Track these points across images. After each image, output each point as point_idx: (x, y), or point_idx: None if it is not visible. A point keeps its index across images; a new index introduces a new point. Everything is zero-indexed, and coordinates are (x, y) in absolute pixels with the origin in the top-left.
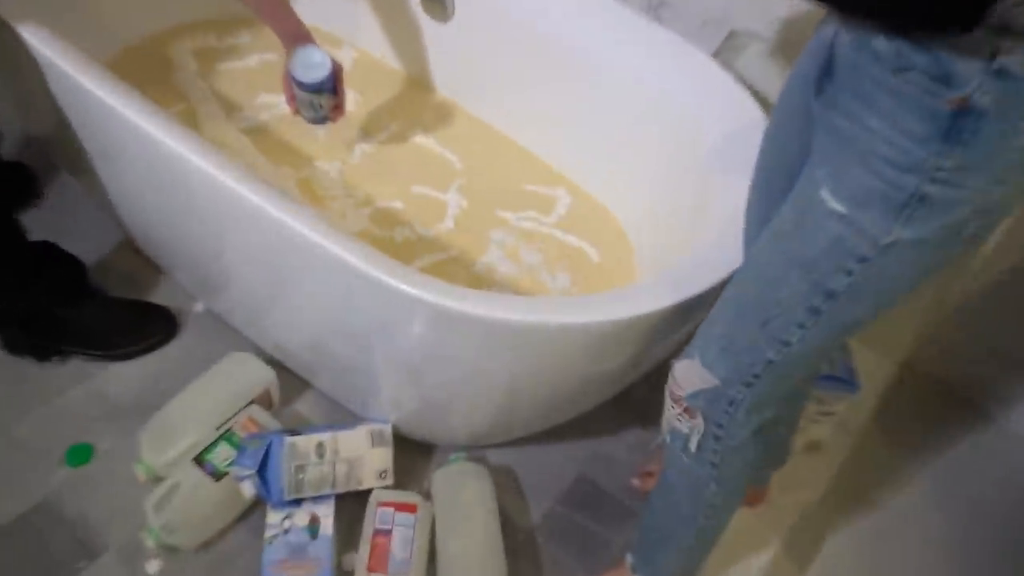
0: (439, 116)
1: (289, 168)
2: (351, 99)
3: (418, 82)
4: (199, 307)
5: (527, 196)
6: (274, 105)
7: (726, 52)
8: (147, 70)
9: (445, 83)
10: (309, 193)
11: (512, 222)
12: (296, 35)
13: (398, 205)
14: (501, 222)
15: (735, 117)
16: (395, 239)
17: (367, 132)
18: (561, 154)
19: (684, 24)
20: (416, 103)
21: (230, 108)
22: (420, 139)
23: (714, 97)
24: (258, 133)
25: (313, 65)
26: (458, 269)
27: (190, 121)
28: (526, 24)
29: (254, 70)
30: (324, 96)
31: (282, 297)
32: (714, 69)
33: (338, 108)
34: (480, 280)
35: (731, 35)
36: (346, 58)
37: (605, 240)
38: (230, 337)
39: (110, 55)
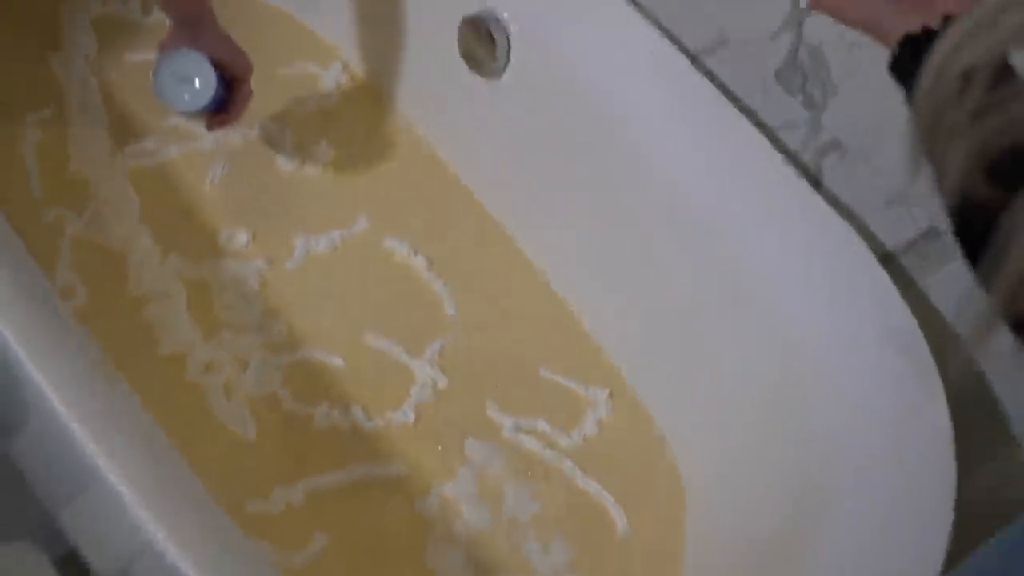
0: (442, 214)
1: (182, 258)
2: (319, 158)
3: (426, 151)
4: None
5: (543, 388)
6: (194, 136)
7: (913, 255)
8: (11, 37)
9: (463, 161)
10: (200, 311)
11: (506, 433)
12: (193, 24)
13: (336, 362)
14: (489, 428)
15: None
16: (314, 424)
17: (318, 222)
18: (619, 330)
19: (857, 196)
20: (413, 181)
21: (124, 126)
22: (400, 249)
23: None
24: (156, 180)
25: (188, 81)
26: (397, 501)
27: (57, 138)
28: (609, 120)
29: None
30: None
31: None
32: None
33: (222, 121)
34: (423, 528)
35: (929, 233)
36: (331, 81)
37: (646, 494)
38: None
39: None
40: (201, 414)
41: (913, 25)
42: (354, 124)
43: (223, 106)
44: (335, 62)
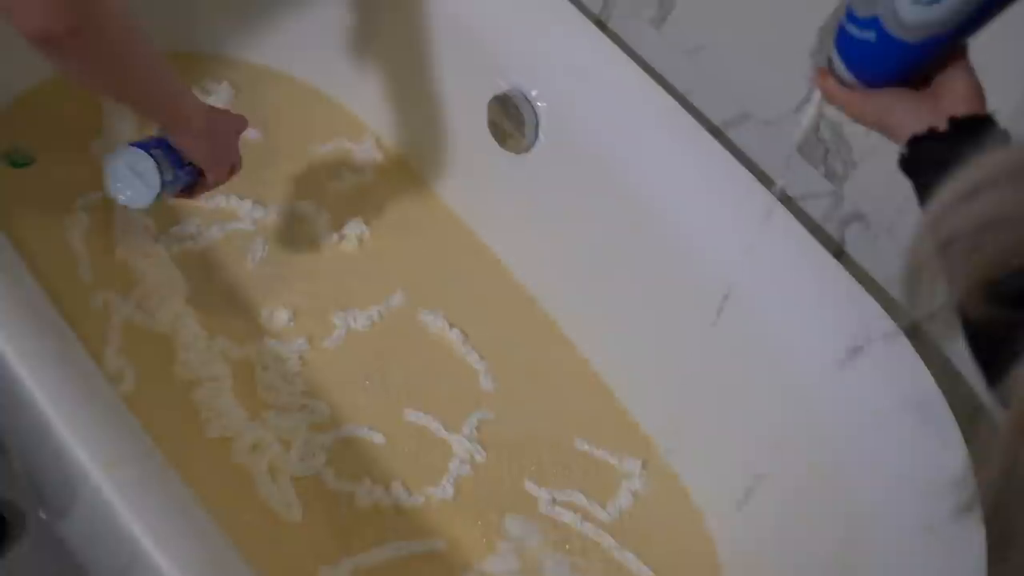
0: (475, 287)
1: (228, 339)
2: (354, 234)
3: (458, 225)
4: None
5: (578, 460)
6: (235, 216)
7: (939, 324)
8: (57, 124)
9: (494, 235)
10: (244, 392)
11: (543, 506)
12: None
13: (377, 438)
14: (527, 502)
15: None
16: (356, 502)
17: (355, 297)
18: (652, 401)
19: (881, 266)
20: (447, 255)
21: (166, 209)
22: (435, 322)
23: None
24: (199, 261)
25: (138, 176)
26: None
27: (103, 224)
28: (636, 196)
29: None
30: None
31: None
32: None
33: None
34: None
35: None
36: (363, 156)
37: (683, 566)
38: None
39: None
40: (247, 496)
41: (920, 126)
42: (387, 199)
43: (189, 188)
44: (367, 137)
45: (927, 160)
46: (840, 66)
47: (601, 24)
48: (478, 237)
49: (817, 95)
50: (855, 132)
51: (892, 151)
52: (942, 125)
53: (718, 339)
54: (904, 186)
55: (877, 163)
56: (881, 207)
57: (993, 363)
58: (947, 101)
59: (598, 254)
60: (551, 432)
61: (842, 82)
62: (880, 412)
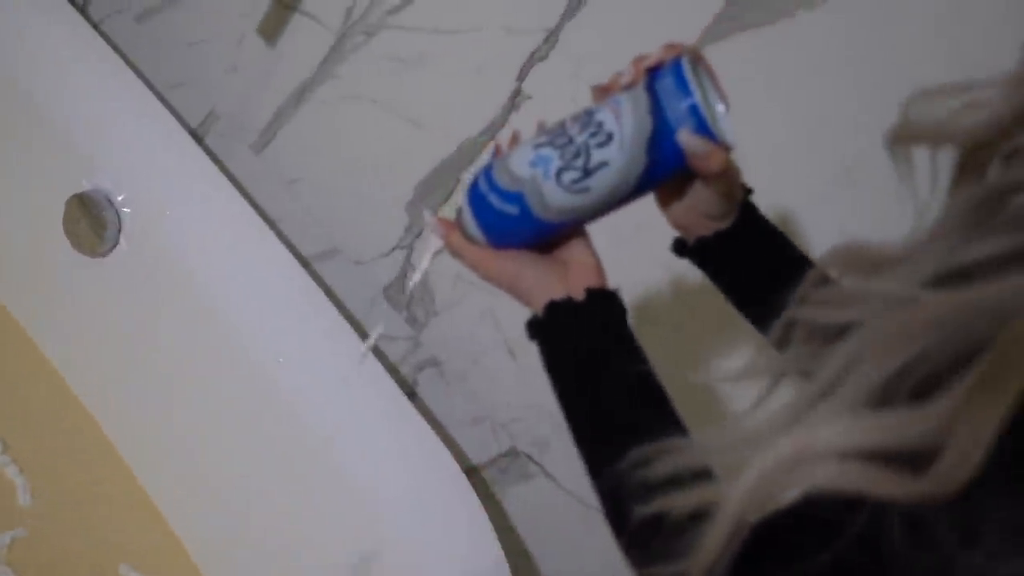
0: (23, 393)
1: None
2: None
3: (10, 327)
4: None
5: None
6: None
7: (495, 470)
8: None
9: (53, 340)
10: None
11: None
12: None
13: None
14: None
15: None
16: None
17: None
18: (203, 526)
19: (448, 412)
20: (4, 364)
21: None
22: None
23: None
24: None
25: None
26: None
27: None
28: (211, 314)
29: None
30: None
31: None
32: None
33: None
34: None
35: (509, 453)
36: None
37: None
38: None
39: None
40: None
41: (552, 292)
42: None
43: None
44: None
45: (563, 326)
46: (472, 225)
47: (198, 138)
48: (34, 342)
49: (425, 243)
50: (440, 283)
51: (474, 305)
52: (576, 294)
53: (285, 472)
54: (478, 340)
55: (457, 315)
56: (456, 356)
57: None
58: (575, 271)
59: (166, 375)
60: (93, 555)
61: (468, 237)
62: (438, 547)
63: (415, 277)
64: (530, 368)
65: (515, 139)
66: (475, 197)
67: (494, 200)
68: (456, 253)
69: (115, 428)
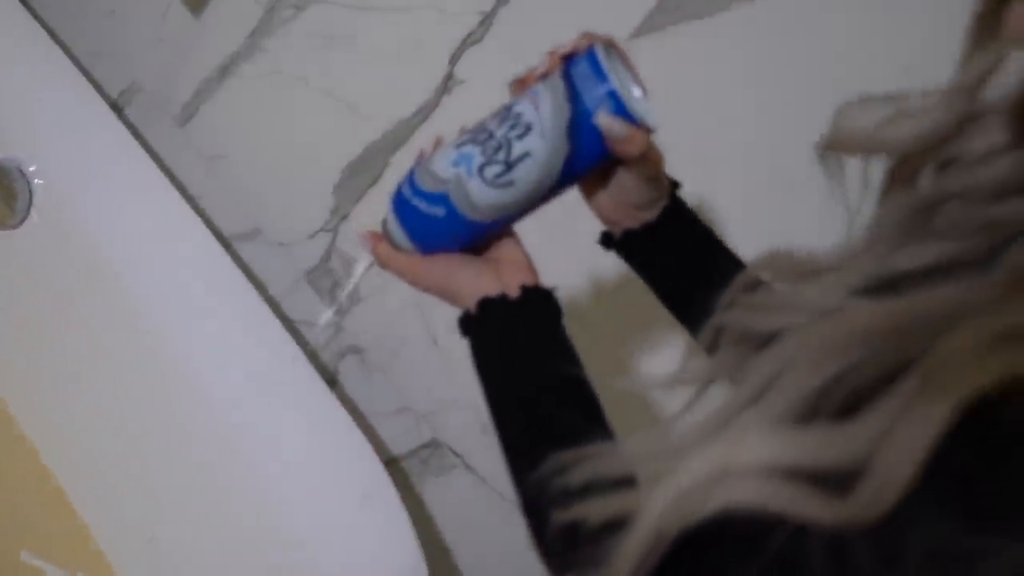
0: None
1: None
2: None
3: None
4: None
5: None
6: None
7: (415, 461)
8: None
9: None
10: None
11: None
12: None
13: None
14: None
15: None
16: None
17: None
18: (112, 513)
19: (370, 401)
20: None
21: None
22: None
23: None
24: None
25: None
26: None
27: None
28: (123, 294)
29: None
30: None
31: None
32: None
33: None
34: None
35: (431, 444)
36: None
37: None
38: None
39: None
40: None
41: (485, 290)
42: None
43: None
44: None
45: (496, 322)
46: (399, 233)
47: (118, 109)
48: None
49: (356, 239)
50: (366, 263)
51: (398, 292)
52: (510, 291)
53: (195, 458)
54: (402, 329)
55: (381, 302)
56: (378, 345)
57: None
58: (507, 269)
59: (76, 355)
60: None
61: (396, 246)
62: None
63: (347, 288)
64: (454, 359)
65: (437, 143)
66: (400, 204)
67: (419, 204)
68: (384, 263)
69: (21, 408)
